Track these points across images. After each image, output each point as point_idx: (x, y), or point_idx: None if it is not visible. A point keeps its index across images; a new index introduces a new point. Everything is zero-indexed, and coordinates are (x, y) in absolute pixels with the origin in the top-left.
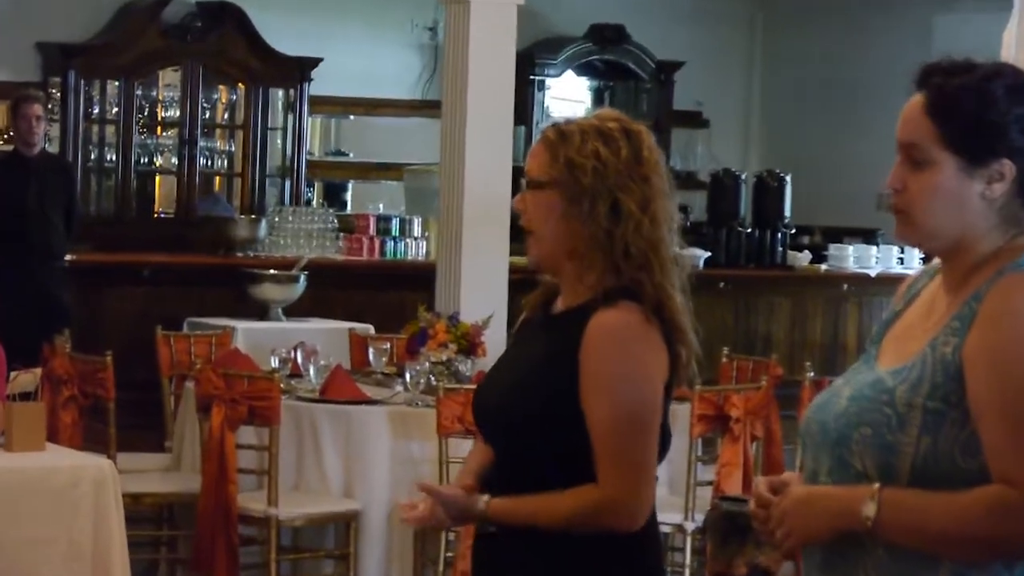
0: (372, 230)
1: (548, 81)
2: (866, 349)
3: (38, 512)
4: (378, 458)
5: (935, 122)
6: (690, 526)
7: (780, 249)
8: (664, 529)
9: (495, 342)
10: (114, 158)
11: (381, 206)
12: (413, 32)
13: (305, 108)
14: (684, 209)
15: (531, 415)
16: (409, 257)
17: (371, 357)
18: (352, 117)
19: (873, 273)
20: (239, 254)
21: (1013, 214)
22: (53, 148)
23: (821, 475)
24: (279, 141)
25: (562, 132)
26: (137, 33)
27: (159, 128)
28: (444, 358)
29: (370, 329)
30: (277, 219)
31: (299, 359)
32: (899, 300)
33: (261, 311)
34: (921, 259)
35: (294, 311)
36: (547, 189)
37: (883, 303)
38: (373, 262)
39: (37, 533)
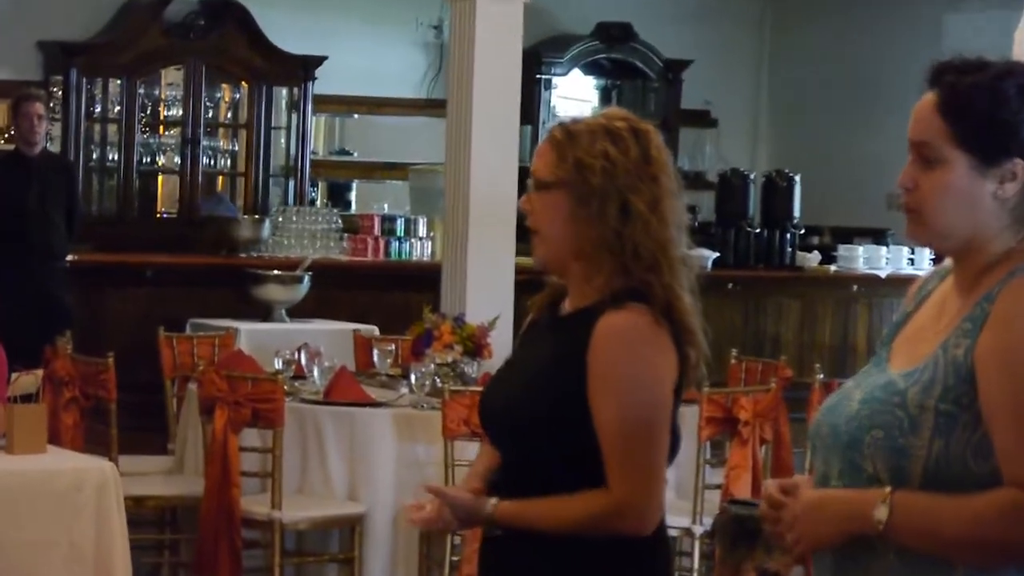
0: (377, 230)
1: (555, 80)
2: (876, 351)
3: (39, 515)
4: (383, 461)
5: (947, 121)
6: (698, 530)
7: (789, 250)
8: (672, 533)
9: (501, 344)
10: (116, 157)
11: (386, 206)
12: (418, 30)
13: (309, 107)
14: (692, 209)
15: (538, 417)
16: (414, 258)
17: (376, 359)
18: (356, 116)
19: (883, 274)
20: (242, 254)
21: None
22: (55, 147)
23: (832, 478)
24: (283, 140)
25: (570, 132)
26: (139, 31)
27: (161, 127)
28: (450, 360)
29: (375, 330)
30: (281, 219)
31: (303, 361)
32: (910, 301)
33: (265, 312)
34: (932, 260)
35: (298, 312)
36: (555, 190)
37: (893, 304)
38: (378, 263)
39: (38, 536)
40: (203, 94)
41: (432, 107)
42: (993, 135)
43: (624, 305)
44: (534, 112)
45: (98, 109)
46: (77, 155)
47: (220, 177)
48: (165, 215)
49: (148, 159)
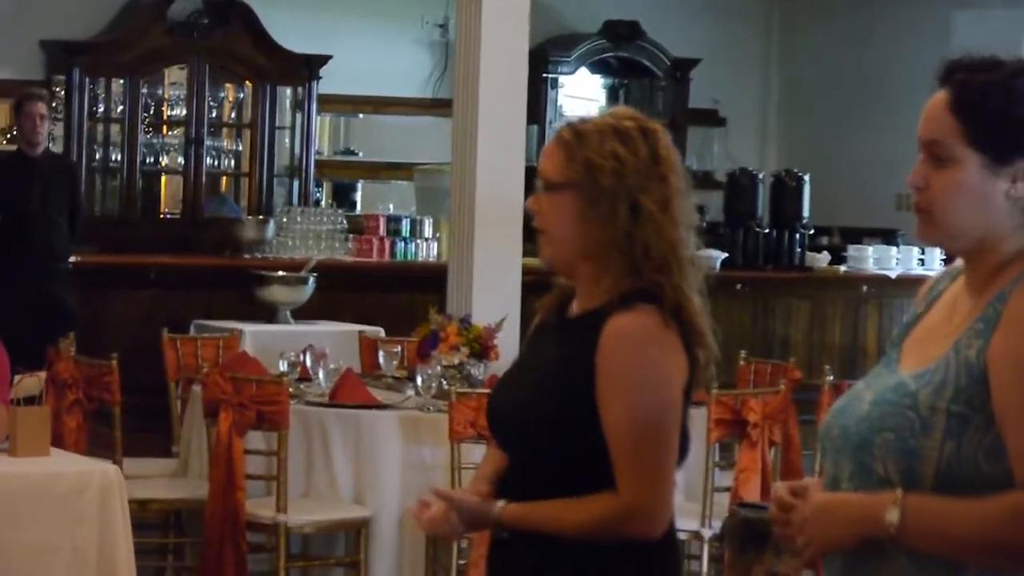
0: (382, 231)
1: (561, 79)
2: (887, 352)
3: (42, 518)
4: (389, 464)
5: (959, 119)
6: (707, 533)
7: (798, 250)
8: (681, 536)
9: (508, 345)
10: (119, 158)
11: (391, 206)
12: (424, 29)
13: (314, 106)
14: (700, 209)
15: (546, 419)
16: (420, 258)
17: (381, 360)
18: (362, 116)
19: (893, 274)
20: (247, 255)
21: None
22: (57, 148)
23: (842, 481)
24: (287, 140)
25: (578, 132)
26: (142, 30)
27: (165, 127)
28: (456, 361)
29: (380, 332)
30: (285, 220)
31: (308, 362)
32: (920, 302)
33: (269, 313)
34: (942, 260)
35: (303, 314)
36: (564, 190)
37: (904, 305)
38: (383, 263)
39: (41, 540)
40: (207, 94)
41: (438, 106)
42: (1006, 133)
43: (633, 306)
44: (541, 111)
45: (101, 109)
46: (80, 155)
47: (224, 177)
48: (169, 216)
49: (151, 159)
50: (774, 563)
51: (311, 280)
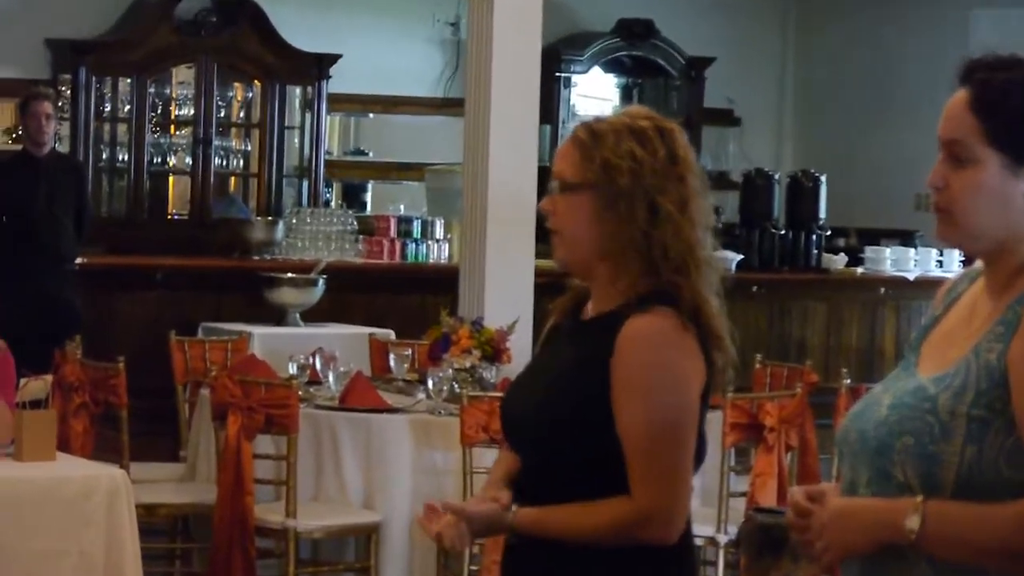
0: (393, 232)
1: (574, 78)
2: (904, 355)
3: (49, 523)
4: (399, 468)
5: (979, 118)
6: (723, 539)
7: (815, 251)
8: (696, 542)
9: (520, 348)
10: (126, 158)
11: (402, 207)
12: (435, 27)
13: (323, 106)
14: (716, 210)
15: (560, 421)
16: (431, 260)
17: (392, 364)
18: (372, 115)
19: (911, 276)
20: (255, 257)
21: None
22: (63, 147)
23: (860, 486)
24: (296, 140)
25: (594, 132)
26: (150, 29)
27: (172, 127)
28: (468, 365)
29: (391, 335)
30: (294, 221)
31: (318, 366)
32: (938, 304)
33: (278, 316)
34: (961, 261)
35: (312, 316)
36: (581, 191)
37: (922, 307)
38: (394, 265)
39: (48, 545)
40: (215, 93)
41: (449, 106)
42: None
43: (651, 308)
44: (553, 111)
45: (108, 108)
46: (86, 155)
47: (232, 178)
48: (176, 217)
49: (159, 159)
50: (791, 569)
51: (321, 282)
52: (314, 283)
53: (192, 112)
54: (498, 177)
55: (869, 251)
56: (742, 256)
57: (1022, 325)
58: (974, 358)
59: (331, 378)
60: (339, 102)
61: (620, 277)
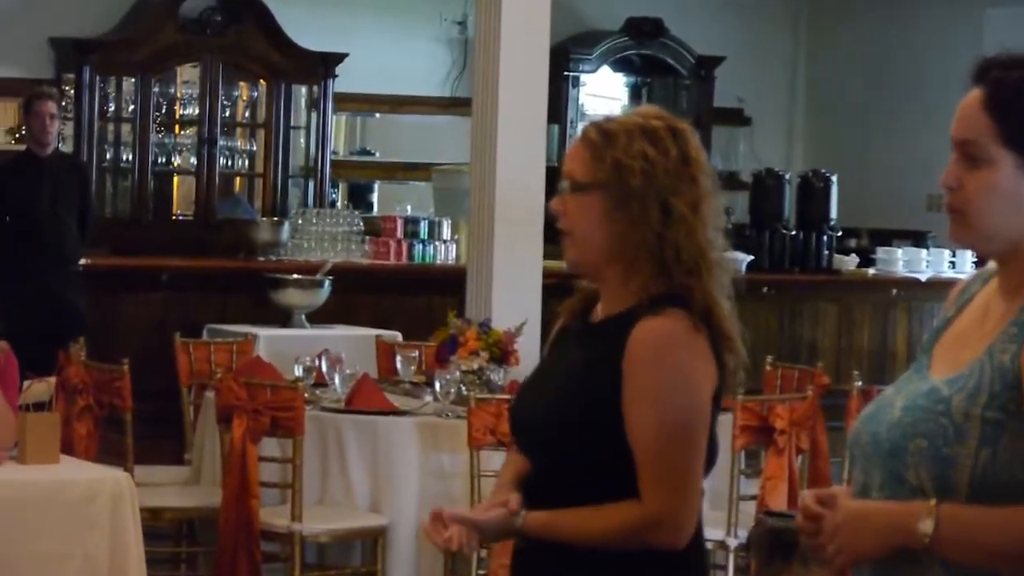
0: (399, 233)
1: (583, 77)
2: (916, 357)
3: (52, 527)
4: (406, 471)
5: (993, 118)
6: (733, 543)
7: (826, 252)
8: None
9: (528, 350)
10: (130, 158)
11: (409, 208)
12: (442, 26)
13: (329, 105)
14: (726, 211)
15: (569, 423)
16: (438, 261)
17: (399, 366)
18: (378, 115)
19: (923, 277)
20: (261, 258)
21: None
22: (67, 147)
23: (873, 489)
24: (302, 140)
25: (605, 132)
26: (154, 27)
27: (177, 127)
28: (475, 367)
29: (398, 336)
30: (300, 221)
31: (324, 368)
32: (951, 306)
33: (284, 317)
34: (974, 262)
35: (318, 317)
36: (592, 191)
37: (934, 309)
38: (400, 266)
39: (51, 549)
40: (220, 92)
41: (456, 105)
42: None
43: (662, 310)
44: (562, 110)
45: (112, 108)
46: (90, 155)
47: (238, 178)
48: (181, 217)
49: (163, 159)
50: (801, 573)
51: (327, 283)
52: (320, 284)
53: (197, 112)
54: (506, 177)
55: (881, 252)
56: (752, 257)
57: None
58: (988, 360)
59: (337, 380)
60: (345, 101)
61: (631, 278)
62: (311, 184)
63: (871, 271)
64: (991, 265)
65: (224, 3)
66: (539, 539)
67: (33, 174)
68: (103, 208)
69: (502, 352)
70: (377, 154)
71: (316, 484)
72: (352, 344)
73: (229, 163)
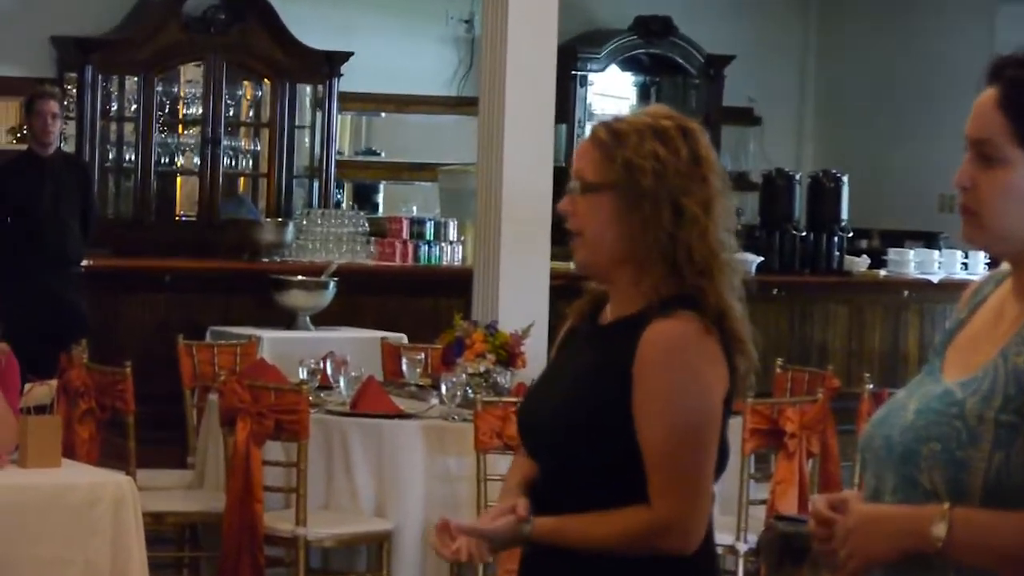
0: (405, 234)
1: (591, 76)
2: (929, 360)
3: (54, 531)
4: (412, 475)
5: (1009, 117)
6: (743, 547)
7: (837, 254)
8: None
9: (536, 352)
10: (133, 158)
11: (415, 208)
12: (448, 25)
13: (334, 105)
14: (736, 212)
15: (577, 426)
16: (444, 262)
17: (404, 368)
18: (384, 115)
19: (935, 279)
20: (265, 259)
21: None
22: (69, 147)
23: (885, 493)
24: (307, 140)
25: (615, 131)
26: (157, 26)
27: (180, 126)
28: (482, 369)
29: (403, 338)
30: (305, 222)
31: (329, 370)
32: (963, 307)
33: (288, 319)
34: (987, 264)
35: (323, 319)
36: (602, 192)
37: (946, 311)
38: (406, 267)
39: (53, 553)
40: (224, 92)
41: (463, 105)
42: None
43: (673, 312)
44: (570, 110)
45: (114, 107)
46: (92, 155)
47: (241, 178)
48: (184, 218)
49: (166, 159)
50: None
51: (331, 285)
52: (325, 286)
53: (200, 111)
54: (513, 177)
55: (892, 253)
56: (762, 258)
57: None
58: (1002, 362)
59: (342, 383)
60: (350, 101)
61: (642, 280)
62: (316, 184)
63: (882, 272)
64: (1004, 266)
65: (228, 1)
66: (548, 545)
67: (35, 174)
68: (105, 208)
69: (509, 354)
70: (382, 154)
71: (321, 488)
72: (357, 346)
73: (233, 163)
